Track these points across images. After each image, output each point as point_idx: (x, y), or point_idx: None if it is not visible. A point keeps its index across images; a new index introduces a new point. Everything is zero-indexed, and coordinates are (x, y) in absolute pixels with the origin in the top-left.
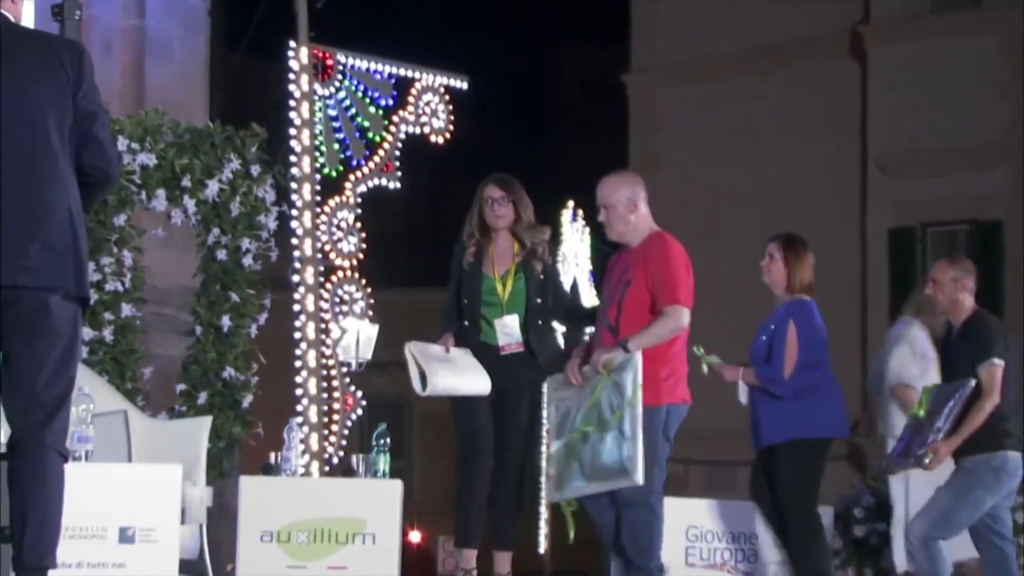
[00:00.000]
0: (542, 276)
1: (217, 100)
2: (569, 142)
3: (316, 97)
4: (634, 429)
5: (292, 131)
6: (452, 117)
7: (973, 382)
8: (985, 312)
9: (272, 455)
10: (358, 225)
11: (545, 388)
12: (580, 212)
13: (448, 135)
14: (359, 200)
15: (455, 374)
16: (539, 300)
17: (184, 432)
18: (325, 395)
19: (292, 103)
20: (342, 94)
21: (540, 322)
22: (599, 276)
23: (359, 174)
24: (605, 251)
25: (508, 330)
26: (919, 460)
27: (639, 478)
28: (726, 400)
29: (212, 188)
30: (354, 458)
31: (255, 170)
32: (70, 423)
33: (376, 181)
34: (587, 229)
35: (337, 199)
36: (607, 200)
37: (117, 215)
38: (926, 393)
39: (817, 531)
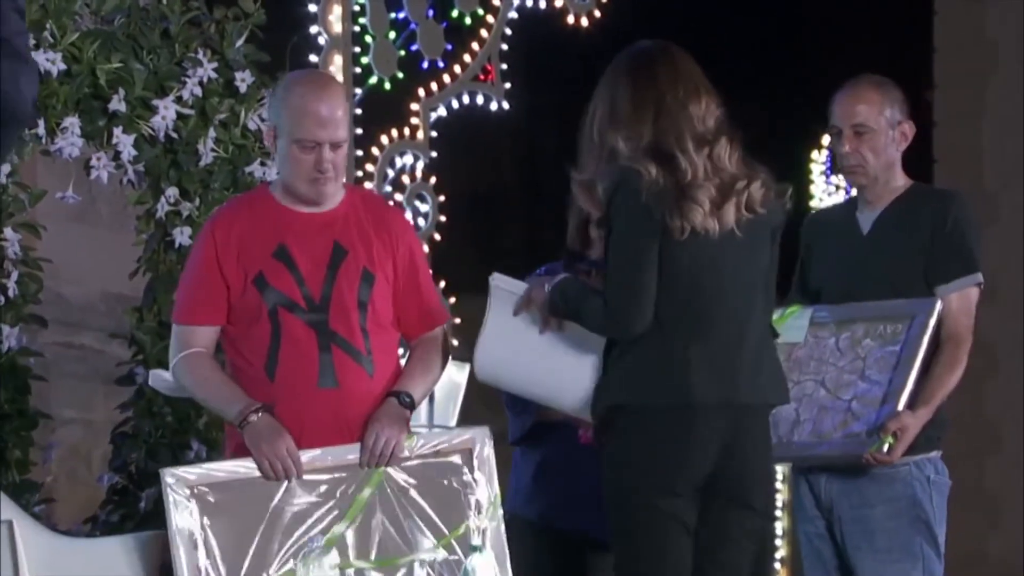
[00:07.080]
0: None
1: None
2: (826, 31)
3: None
4: None
5: (311, 8)
6: None
7: (939, 306)
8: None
9: None
10: (432, 181)
11: None
12: None
13: (597, 14)
14: (435, 135)
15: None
16: None
17: (115, 558)
18: None
19: None
20: None
21: None
22: None
23: (435, 87)
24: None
25: None
26: (871, 448)
27: None
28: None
29: (166, 114)
30: None
31: (243, 80)
32: None
33: (466, 99)
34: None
35: (395, 134)
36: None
37: None
38: (787, 318)
39: None
